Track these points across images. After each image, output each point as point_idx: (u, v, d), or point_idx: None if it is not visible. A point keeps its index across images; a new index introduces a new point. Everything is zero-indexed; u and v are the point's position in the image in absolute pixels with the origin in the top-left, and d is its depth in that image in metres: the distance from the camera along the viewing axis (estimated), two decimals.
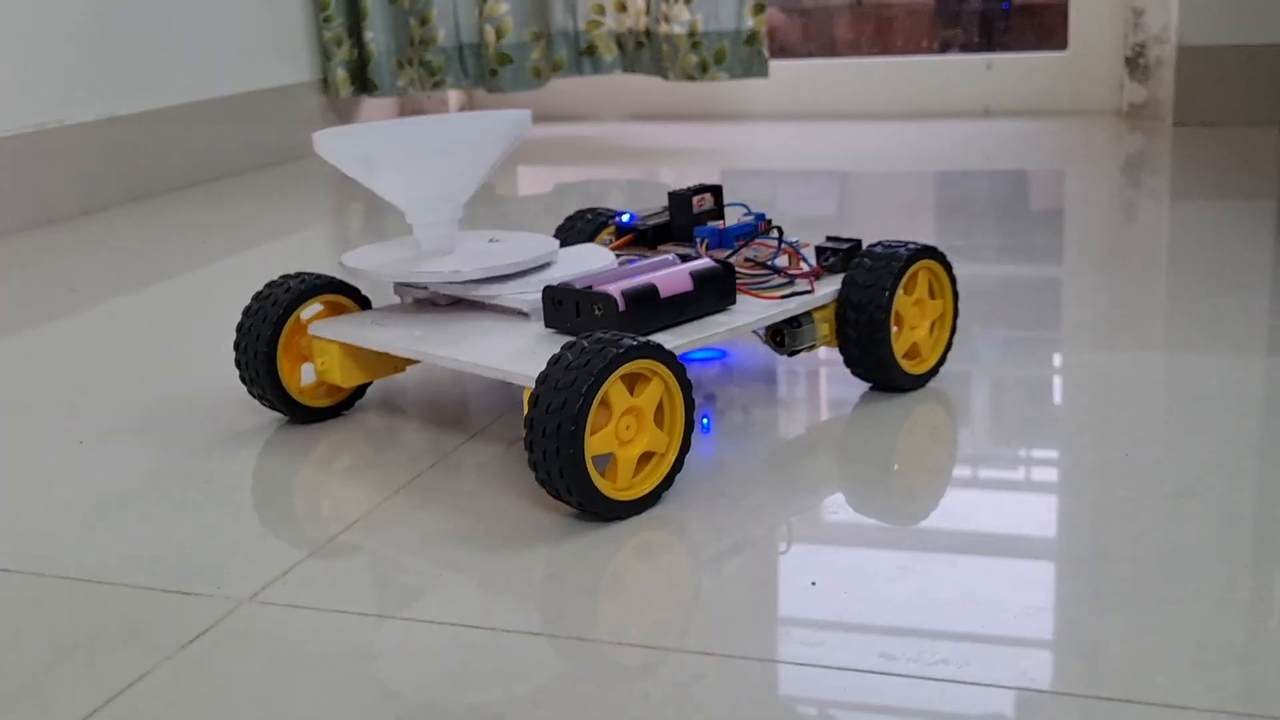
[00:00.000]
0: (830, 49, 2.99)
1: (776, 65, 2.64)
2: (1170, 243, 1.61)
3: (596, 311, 0.93)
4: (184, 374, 1.24)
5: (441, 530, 0.86)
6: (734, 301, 1.00)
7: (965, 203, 1.92)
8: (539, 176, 2.41)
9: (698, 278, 0.97)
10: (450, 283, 0.99)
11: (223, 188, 2.33)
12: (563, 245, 1.17)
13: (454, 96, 2.88)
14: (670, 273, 0.97)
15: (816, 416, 1.05)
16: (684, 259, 1.01)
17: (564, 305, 0.95)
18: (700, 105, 2.82)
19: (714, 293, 0.98)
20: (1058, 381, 1.11)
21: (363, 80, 2.65)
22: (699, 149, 2.55)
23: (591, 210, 1.18)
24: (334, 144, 0.97)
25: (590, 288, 0.94)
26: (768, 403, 1.08)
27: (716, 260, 0.99)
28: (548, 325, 0.96)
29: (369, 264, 1.00)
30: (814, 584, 0.75)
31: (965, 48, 2.93)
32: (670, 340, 0.92)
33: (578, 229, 1.17)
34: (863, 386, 1.08)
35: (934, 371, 1.08)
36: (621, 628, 0.71)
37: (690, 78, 2.57)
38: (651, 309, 0.94)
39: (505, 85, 2.65)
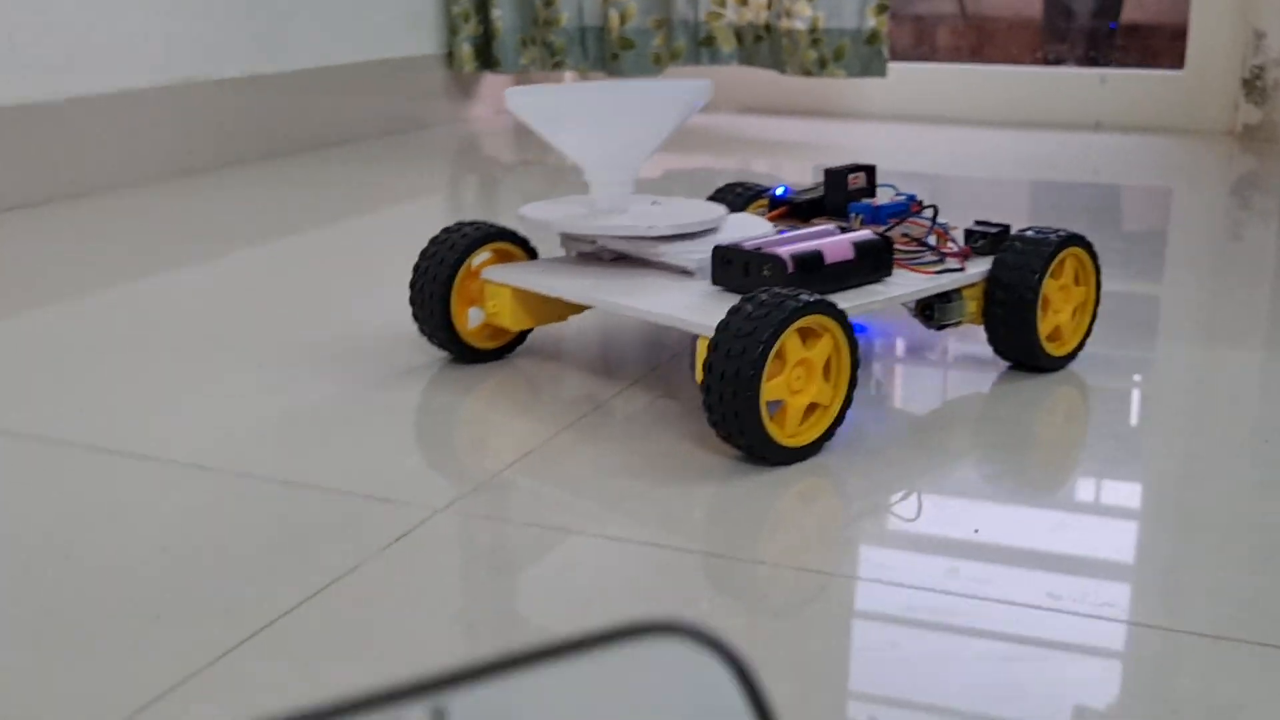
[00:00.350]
0: (931, 56, 3.01)
1: (890, 66, 2.67)
2: (1277, 263, 1.62)
3: (765, 272, 0.97)
4: (344, 316, 1.30)
5: (612, 465, 0.91)
6: (890, 273, 1.04)
7: (1068, 213, 1.93)
8: (650, 162, 2.40)
9: (859, 247, 1.02)
10: (628, 238, 1.04)
11: (349, 152, 2.38)
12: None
13: (571, 79, 2.93)
14: (834, 241, 1.02)
15: (960, 390, 1.10)
16: (843, 231, 1.06)
17: (733, 264, 0.99)
18: (810, 101, 2.86)
19: (873, 263, 1.03)
20: (1182, 377, 1.14)
21: (486, 56, 2.71)
22: (806, 144, 2.57)
23: (741, 184, 1.23)
24: (525, 100, 1.03)
25: (760, 249, 0.99)
26: (908, 377, 1.13)
27: (876, 232, 1.04)
28: (715, 283, 1.01)
29: (552, 216, 1.05)
30: (977, 531, 0.80)
31: (1072, 63, 2.95)
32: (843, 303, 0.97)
33: (728, 201, 1.22)
34: (997, 366, 1.11)
35: (1074, 355, 1.12)
36: (795, 555, 0.76)
37: (808, 73, 2.60)
38: (817, 273, 0.99)
39: (625, 70, 2.70)
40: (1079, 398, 1.08)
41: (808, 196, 1.14)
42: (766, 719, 0.18)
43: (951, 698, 0.61)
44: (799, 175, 2.28)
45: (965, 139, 2.59)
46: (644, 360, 1.14)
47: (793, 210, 1.14)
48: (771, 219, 1.14)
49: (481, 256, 1.09)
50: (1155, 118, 2.68)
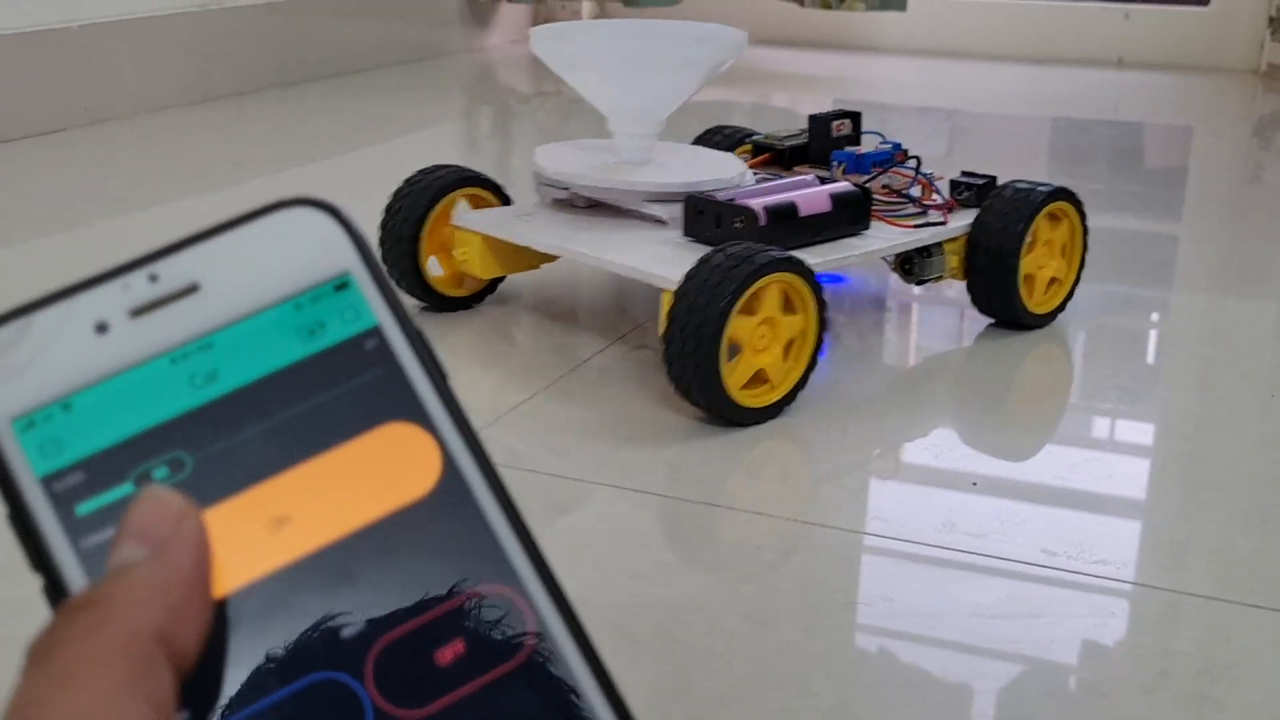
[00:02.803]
0: None
1: (911, 0, 2.61)
2: None
3: (737, 224, 0.94)
4: None
5: (592, 421, 0.88)
6: (868, 226, 1.01)
7: (1086, 151, 1.89)
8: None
9: (836, 199, 0.98)
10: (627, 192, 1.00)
11: (364, 80, 2.34)
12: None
13: (588, 9, 2.88)
14: (810, 192, 0.98)
15: (936, 347, 1.07)
16: (822, 181, 1.02)
17: (705, 215, 0.96)
18: (829, 35, 2.80)
19: (850, 216, 1.00)
20: (1182, 326, 1.12)
21: None
22: (823, 77, 2.52)
23: (730, 127, 1.19)
24: (550, 44, 0.99)
25: (732, 200, 0.96)
26: (883, 331, 1.09)
27: (854, 184, 1.00)
28: (686, 234, 0.98)
29: (567, 168, 1.01)
30: (975, 485, 0.79)
31: None
32: (807, 259, 0.94)
33: (714, 145, 1.18)
34: (977, 321, 1.08)
35: (1058, 311, 1.08)
36: (789, 506, 0.76)
37: (827, 6, 2.54)
38: (790, 226, 0.95)
39: (643, 0, 2.65)
40: (1086, 345, 1.06)
41: (791, 143, 1.10)
42: (365, 255, 0.24)
43: (942, 654, 0.61)
44: (817, 108, 2.22)
45: (985, 74, 2.53)
46: (616, 312, 1.10)
47: (776, 157, 1.10)
48: (754, 166, 1.11)
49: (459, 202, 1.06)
50: (1179, 55, 2.61)
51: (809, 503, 0.77)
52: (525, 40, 2.78)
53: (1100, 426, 0.91)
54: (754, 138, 1.11)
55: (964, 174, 1.06)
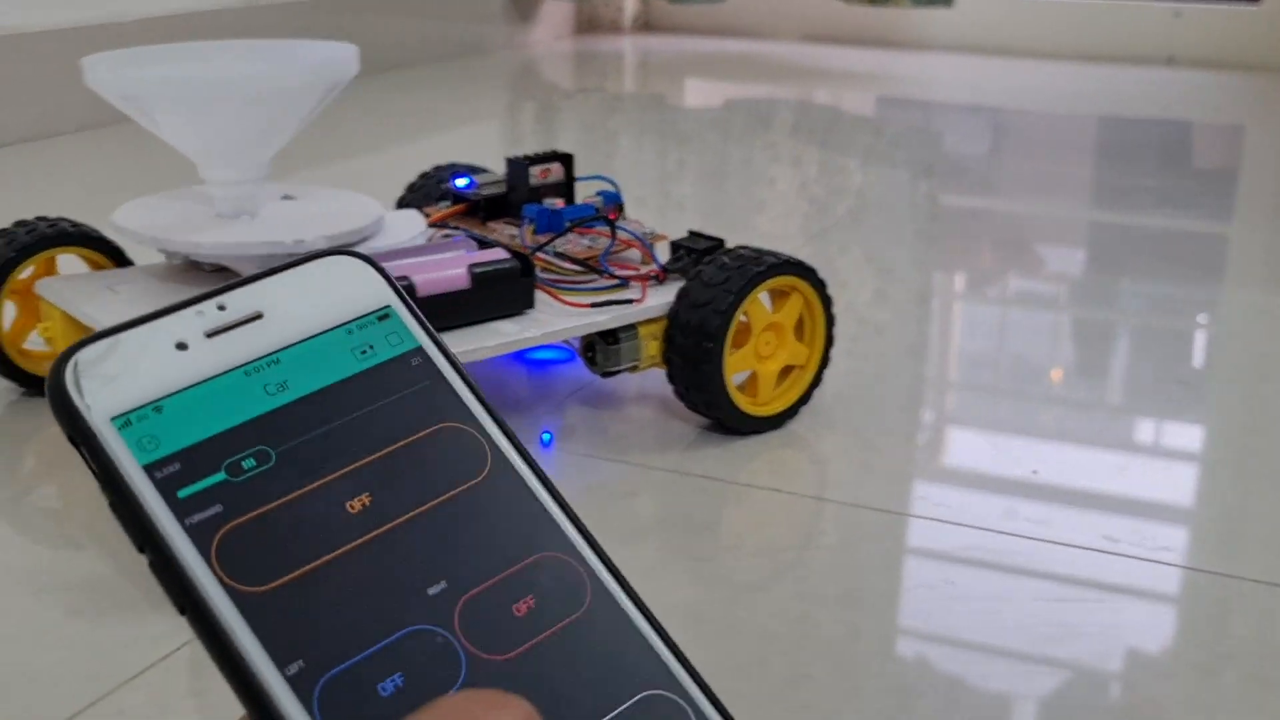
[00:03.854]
0: None
1: None
2: None
3: None
4: None
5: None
6: (531, 305, 0.70)
7: (1135, 149, 1.69)
8: (710, 91, 2.18)
9: (479, 274, 0.68)
10: (251, 256, 0.73)
11: (408, 76, 2.17)
12: (408, 206, 0.88)
13: (630, 5, 2.56)
14: (441, 262, 0.69)
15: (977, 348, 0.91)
16: (482, 245, 0.72)
17: None
18: (874, 31, 2.45)
19: (501, 294, 0.70)
20: (1232, 324, 1.01)
21: None
22: (867, 74, 2.26)
23: (451, 167, 0.88)
24: (106, 76, 0.71)
25: None
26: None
27: (513, 252, 0.70)
28: None
29: (139, 222, 0.74)
30: (1036, 472, 0.73)
31: None
32: None
33: (428, 189, 0.88)
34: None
35: (785, 416, 0.76)
36: (852, 492, 0.71)
37: (872, 2, 2.23)
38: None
39: None
40: (1143, 341, 0.98)
41: (489, 192, 0.79)
42: (398, 293, 0.26)
43: (1007, 636, 0.57)
44: (860, 106, 1.97)
45: (1032, 72, 2.27)
46: None
47: (471, 208, 0.80)
48: (441, 219, 0.80)
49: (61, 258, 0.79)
50: (1230, 53, 2.30)
51: (869, 490, 0.71)
52: (569, 37, 2.50)
53: (1154, 420, 0.84)
54: (459, 182, 0.80)
55: (691, 234, 0.75)
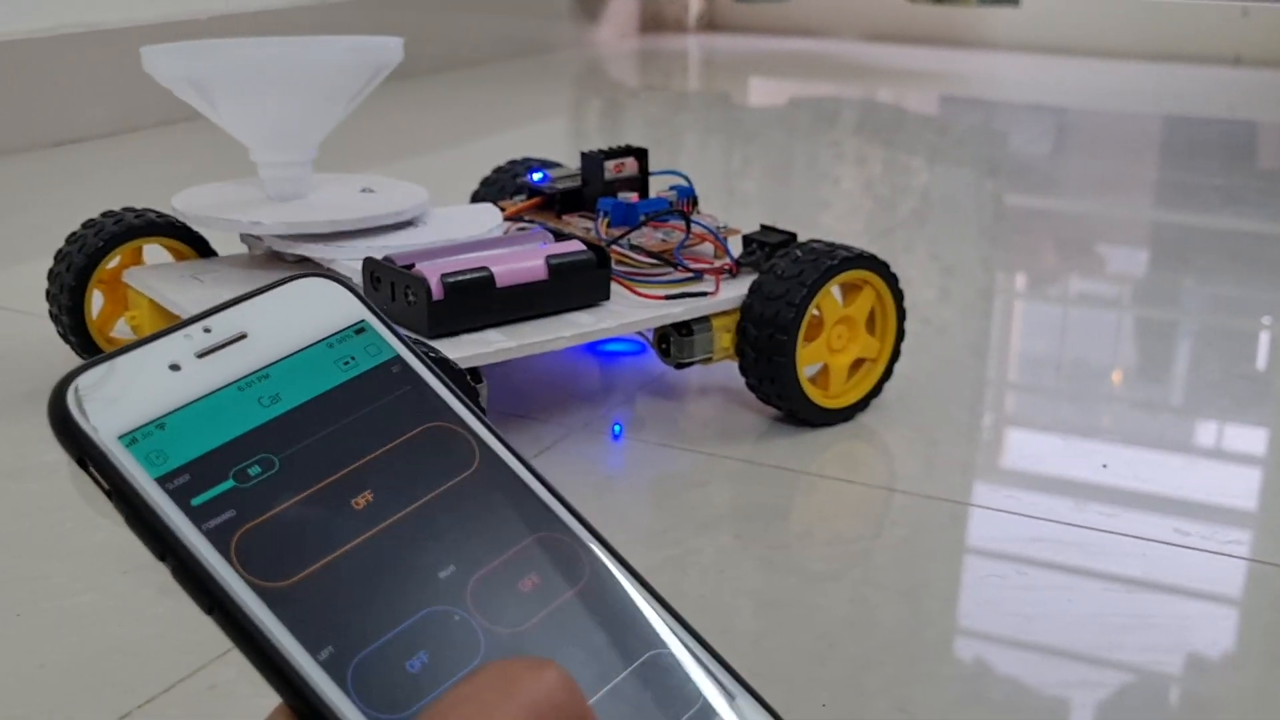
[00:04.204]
0: None
1: None
2: None
3: (410, 297, 0.67)
4: None
5: None
6: (607, 297, 0.71)
7: (1201, 149, 1.67)
8: (775, 89, 2.18)
9: (556, 265, 0.69)
10: (283, 236, 0.74)
11: (475, 73, 2.19)
12: (483, 200, 0.89)
13: (695, 3, 2.57)
14: (521, 255, 0.70)
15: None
16: (558, 238, 0.73)
17: (383, 283, 0.69)
18: (938, 30, 2.44)
19: (578, 285, 0.71)
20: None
21: None
22: (931, 73, 2.25)
23: (525, 162, 0.89)
24: (165, 62, 0.73)
25: (412, 266, 0.68)
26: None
27: (589, 244, 0.71)
28: None
29: (198, 206, 0.76)
30: (1105, 466, 0.73)
31: None
32: (500, 342, 0.66)
33: (499, 184, 0.89)
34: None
35: (856, 408, 0.76)
36: (921, 483, 0.72)
37: (938, 1, 2.21)
38: (480, 300, 0.67)
39: None
40: (1207, 341, 0.97)
41: (564, 186, 0.81)
42: (371, 309, 0.27)
43: (1077, 626, 0.57)
44: (923, 105, 1.97)
45: (1097, 71, 2.26)
46: None
47: (547, 202, 0.81)
48: (516, 212, 0.81)
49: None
50: None
51: (938, 482, 0.71)
52: (634, 36, 2.51)
53: (1221, 418, 0.82)
54: (534, 176, 0.81)
55: (763, 228, 0.75)
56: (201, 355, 0.25)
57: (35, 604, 0.58)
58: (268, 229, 0.74)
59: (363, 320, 0.27)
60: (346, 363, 0.26)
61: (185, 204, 0.77)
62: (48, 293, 0.78)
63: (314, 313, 0.27)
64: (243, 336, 0.26)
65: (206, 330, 0.26)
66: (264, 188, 0.78)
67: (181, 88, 0.74)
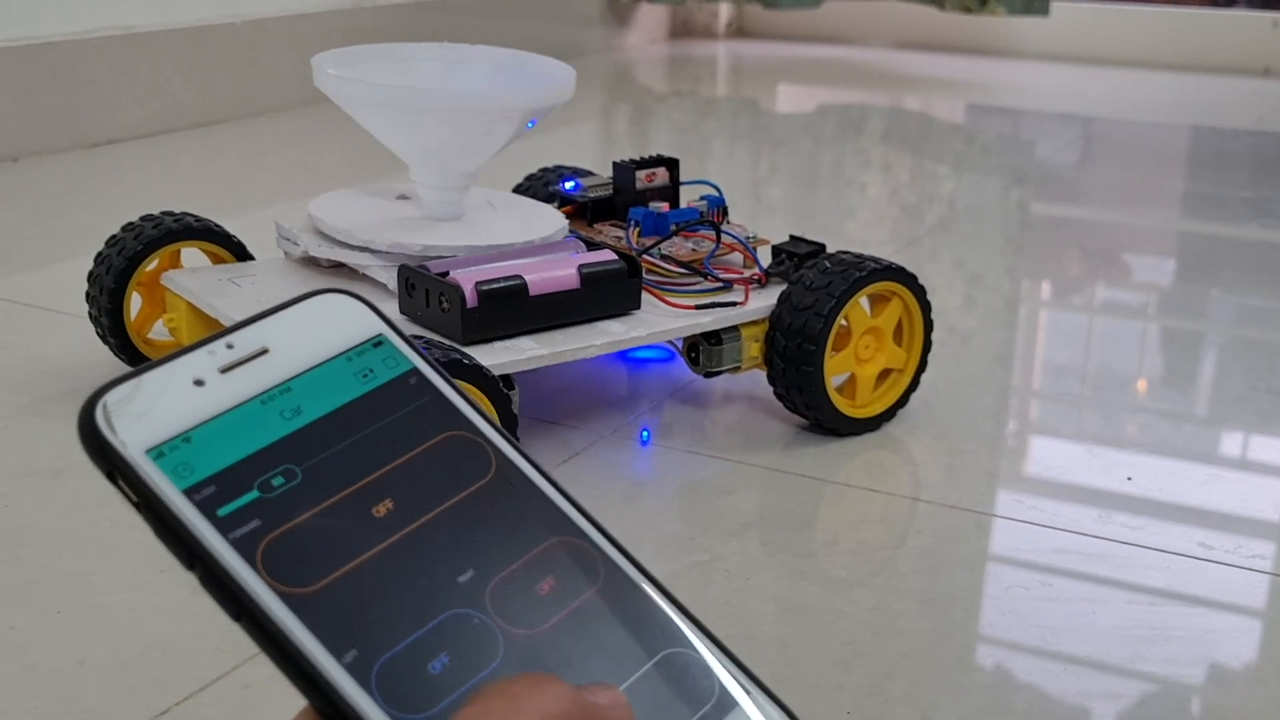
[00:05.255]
0: None
1: (1052, 5, 2.22)
2: None
3: (444, 304, 0.67)
4: None
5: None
6: (638, 305, 0.72)
7: (1230, 160, 1.66)
8: (803, 96, 2.18)
9: (588, 274, 0.70)
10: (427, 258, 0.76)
11: None
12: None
13: (724, 10, 2.57)
14: (553, 264, 0.70)
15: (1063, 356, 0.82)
16: (590, 247, 0.73)
17: (418, 290, 0.70)
18: (967, 39, 2.43)
19: (610, 294, 0.71)
20: None
21: None
22: (961, 82, 2.25)
23: (557, 170, 0.90)
24: (339, 81, 0.73)
25: (446, 273, 0.69)
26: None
27: (620, 253, 0.71)
28: (402, 311, 0.71)
29: (337, 220, 0.77)
30: (1129, 479, 0.73)
31: (1243, 5, 2.42)
32: (533, 349, 0.66)
33: (531, 191, 0.90)
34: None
35: (883, 418, 0.76)
36: (944, 493, 0.72)
37: (967, 10, 2.21)
38: (513, 307, 0.68)
39: (782, 2, 2.35)
40: (1233, 352, 0.97)
41: (596, 194, 0.81)
42: (388, 322, 0.28)
43: (1100, 638, 0.58)
44: (951, 113, 1.96)
45: (1126, 81, 2.24)
46: None
47: (579, 210, 0.81)
48: None
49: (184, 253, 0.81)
50: None
51: (963, 492, 0.71)
52: (663, 41, 2.51)
53: (1246, 431, 0.82)
54: (567, 185, 0.81)
55: (792, 238, 0.76)
56: (225, 370, 0.26)
57: (75, 602, 0.59)
58: (444, 250, 0.74)
59: (380, 334, 0.28)
60: (365, 375, 0.27)
61: (330, 217, 0.77)
62: (87, 294, 0.79)
63: (333, 327, 0.27)
64: (264, 352, 0.26)
65: (229, 346, 0.26)
66: (421, 208, 0.79)
67: (345, 102, 0.74)
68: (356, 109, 0.75)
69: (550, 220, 0.79)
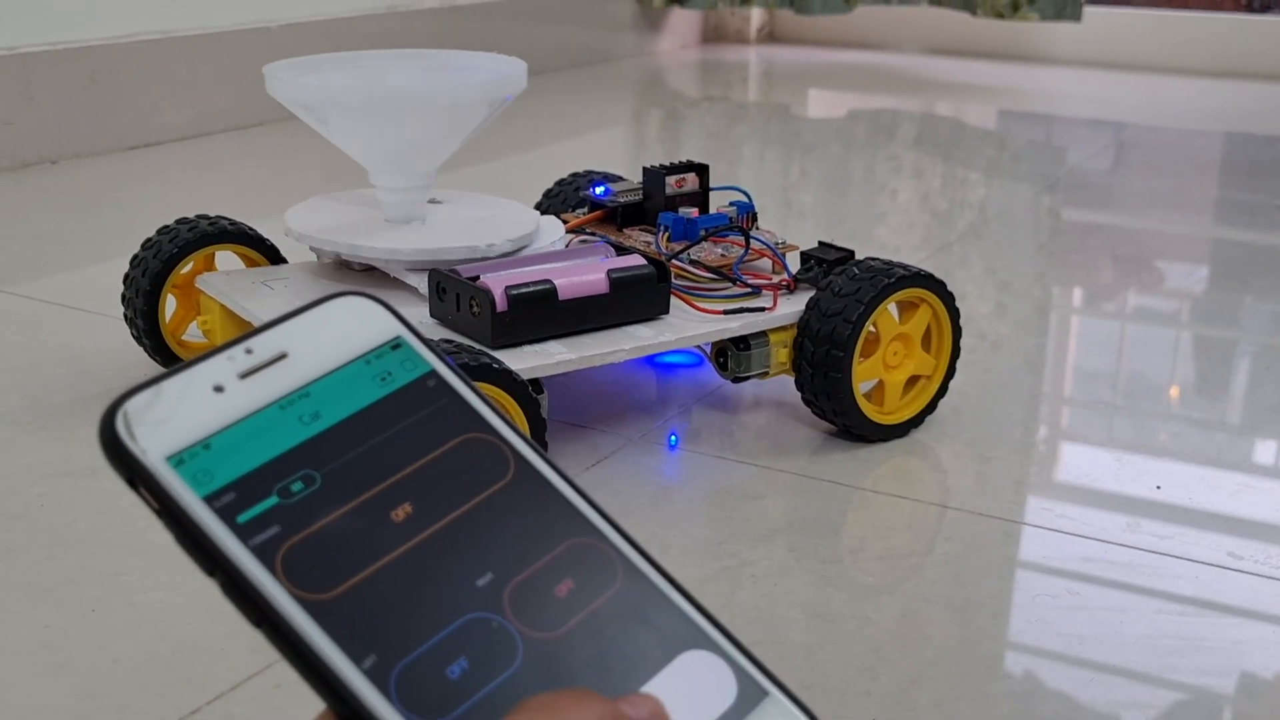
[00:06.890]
0: (1128, 0, 2.50)
1: (1085, 10, 2.21)
2: None
3: (474, 308, 0.68)
4: None
5: None
6: (667, 310, 0.72)
7: (1265, 167, 1.64)
8: (834, 101, 2.18)
9: (617, 279, 0.70)
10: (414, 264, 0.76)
11: (537, 83, 2.17)
12: (547, 212, 0.90)
13: (756, 15, 2.57)
14: (582, 269, 0.71)
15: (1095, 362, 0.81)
16: (619, 251, 0.74)
17: (448, 294, 0.70)
18: (1000, 45, 2.42)
19: (639, 299, 0.71)
20: None
21: None
22: (993, 88, 2.23)
23: (588, 175, 0.90)
24: (288, 83, 0.74)
25: (477, 278, 0.69)
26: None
27: (650, 258, 0.71)
28: (432, 315, 0.71)
29: (308, 226, 0.77)
30: (1159, 488, 0.73)
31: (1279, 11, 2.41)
32: (561, 354, 0.67)
33: (562, 196, 0.90)
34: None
35: (911, 424, 0.76)
36: (973, 500, 0.72)
37: (999, 15, 2.20)
38: (542, 312, 0.68)
39: (814, 8, 2.34)
40: (1266, 360, 0.96)
41: (626, 199, 0.81)
42: (406, 324, 0.28)
43: (1128, 648, 0.57)
44: (982, 119, 1.96)
45: (1159, 87, 2.22)
46: None
47: (609, 215, 0.82)
48: (578, 225, 0.82)
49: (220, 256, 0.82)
50: None
51: (991, 499, 0.71)
52: (695, 46, 2.51)
53: (1278, 442, 0.82)
54: (597, 190, 0.82)
55: (821, 244, 0.76)
56: (244, 376, 0.26)
57: (110, 600, 0.59)
58: (402, 256, 0.75)
59: (398, 336, 0.28)
60: (384, 378, 0.27)
61: (300, 224, 0.78)
62: (123, 296, 0.80)
63: (351, 330, 0.27)
64: (283, 356, 0.26)
65: (248, 351, 0.26)
66: (382, 210, 0.79)
67: (301, 109, 0.75)
68: (309, 114, 0.75)
69: (521, 224, 0.79)
